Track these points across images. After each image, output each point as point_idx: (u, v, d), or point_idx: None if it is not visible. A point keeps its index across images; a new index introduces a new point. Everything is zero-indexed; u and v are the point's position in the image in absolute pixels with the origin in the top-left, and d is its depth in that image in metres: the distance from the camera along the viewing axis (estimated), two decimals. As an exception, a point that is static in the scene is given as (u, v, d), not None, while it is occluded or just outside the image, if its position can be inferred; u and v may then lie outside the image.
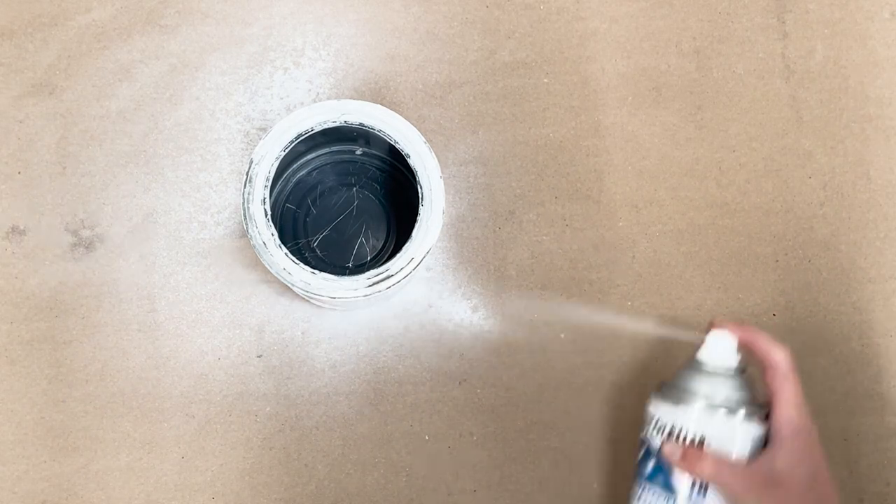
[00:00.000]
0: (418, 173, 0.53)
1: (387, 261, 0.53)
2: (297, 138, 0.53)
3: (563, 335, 0.64)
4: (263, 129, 0.65)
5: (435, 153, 0.54)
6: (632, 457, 0.55)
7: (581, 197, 0.65)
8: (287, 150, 0.53)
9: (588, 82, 0.67)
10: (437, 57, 0.66)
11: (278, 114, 0.65)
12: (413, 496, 0.62)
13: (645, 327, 0.65)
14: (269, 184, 0.53)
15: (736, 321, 0.53)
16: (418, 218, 0.53)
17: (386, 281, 0.52)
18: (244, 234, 0.63)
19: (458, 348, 0.64)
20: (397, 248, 0.55)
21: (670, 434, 0.52)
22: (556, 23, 0.67)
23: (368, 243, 0.63)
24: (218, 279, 0.63)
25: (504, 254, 0.65)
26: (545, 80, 0.67)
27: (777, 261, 0.66)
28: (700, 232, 0.66)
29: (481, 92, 0.66)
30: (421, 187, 0.53)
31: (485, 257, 0.65)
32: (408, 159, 0.54)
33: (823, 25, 0.68)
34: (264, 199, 0.52)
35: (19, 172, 0.64)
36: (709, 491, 0.51)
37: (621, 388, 0.64)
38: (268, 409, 0.62)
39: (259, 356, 0.63)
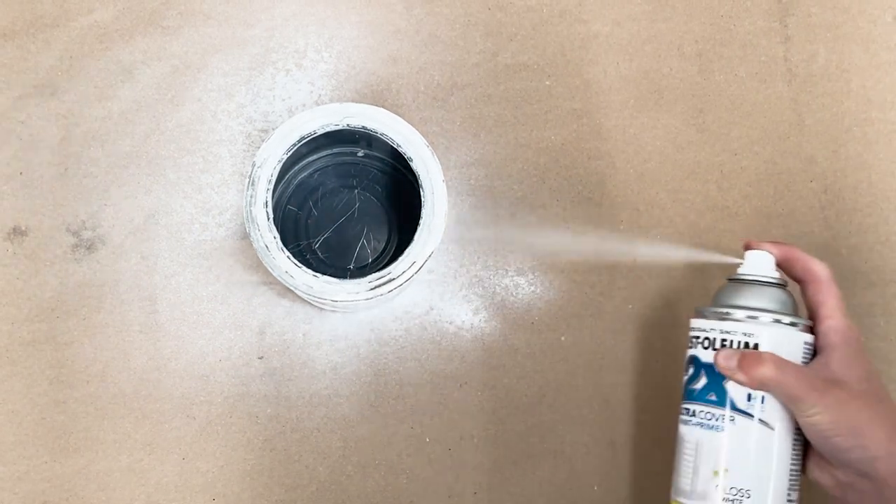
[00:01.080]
0: (421, 177, 0.53)
1: (388, 263, 0.53)
2: (299, 141, 0.53)
3: (563, 338, 0.64)
4: (265, 131, 0.65)
5: (437, 156, 0.54)
6: (633, 458, 0.55)
7: (583, 199, 0.66)
8: (290, 153, 0.53)
9: (590, 85, 0.67)
10: (440, 59, 0.66)
11: (280, 115, 0.65)
12: (413, 498, 0.62)
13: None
14: (272, 186, 0.53)
15: (770, 240, 0.53)
16: (420, 221, 0.53)
17: (388, 284, 0.52)
18: (245, 236, 0.63)
19: (459, 351, 0.64)
20: (399, 251, 0.55)
21: (722, 345, 0.50)
22: (559, 26, 0.67)
23: (370, 245, 0.63)
24: (219, 281, 0.63)
25: (505, 256, 0.65)
26: (547, 83, 0.67)
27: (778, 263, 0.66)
28: (701, 235, 0.66)
29: (483, 94, 0.66)
30: (423, 190, 0.53)
31: (486, 260, 0.65)
32: (410, 163, 0.54)
33: (826, 29, 0.68)
34: (266, 201, 0.52)
35: (21, 173, 0.64)
36: (766, 399, 0.49)
37: (622, 391, 0.64)
38: (269, 410, 0.62)
39: (260, 358, 0.63)
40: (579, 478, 0.63)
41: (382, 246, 0.63)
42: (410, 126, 0.54)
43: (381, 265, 0.56)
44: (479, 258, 0.65)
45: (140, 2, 0.65)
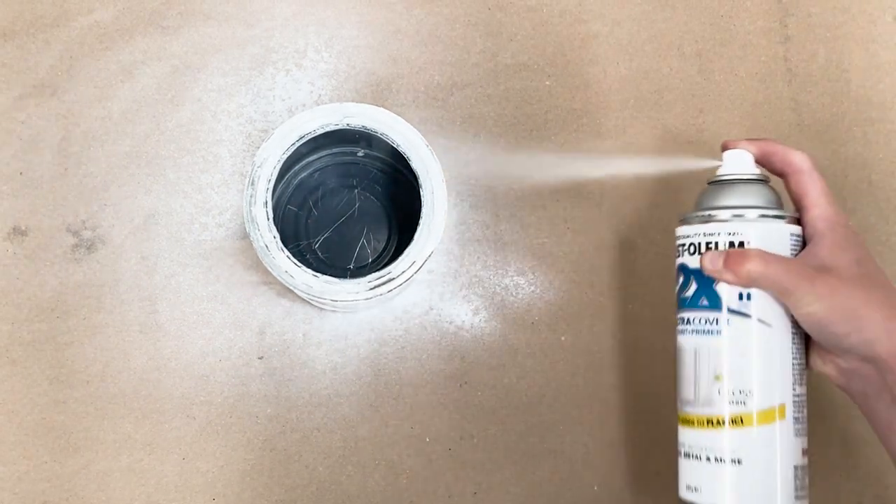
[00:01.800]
0: (420, 177, 0.53)
1: (388, 263, 0.53)
2: (298, 140, 0.53)
3: (563, 338, 0.64)
4: (265, 131, 0.65)
5: (437, 156, 0.54)
6: (633, 458, 0.55)
7: (583, 199, 0.66)
8: (289, 153, 0.53)
9: (590, 85, 0.67)
10: (440, 59, 0.66)
11: (280, 115, 0.65)
12: (413, 498, 0.62)
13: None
14: (272, 186, 0.53)
15: (747, 137, 0.52)
16: (420, 221, 0.53)
17: (388, 284, 0.52)
18: (245, 236, 0.63)
19: (458, 351, 0.64)
20: (399, 251, 0.55)
21: (706, 247, 0.49)
22: (559, 25, 0.67)
23: (370, 245, 0.63)
24: (219, 281, 0.63)
25: (505, 256, 0.65)
26: (547, 83, 0.67)
27: (778, 264, 0.66)
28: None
29: (483, 94, 0.66)
30: (423, 190, 0.53)
31: (486, 260, 0.65)
32: (410, 162, 0.54)
33: (825, 29, 0.68)
34: (266, 201, 0.52)
35: (21, 173, 0.64)
36: (753, 295, 0.48)
37: (622, 391, 0.64)
38: (269, 410, 0.62)
39: (260, 358, 0.63)
40: (579, 478, 0.63)
41: (382, 246, 0.63)
42: (410, 126, 0.54)
43: (381, 265, 0.56)
44: (478, 258, 0.65)
45: (140, 2, 0.65)
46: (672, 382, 0.64)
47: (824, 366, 0.50)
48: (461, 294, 0.64)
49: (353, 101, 0.65)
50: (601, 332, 0.64)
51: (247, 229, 0.52)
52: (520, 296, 0.64)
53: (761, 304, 0.48)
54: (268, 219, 0.52)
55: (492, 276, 0.64)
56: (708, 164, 0.53)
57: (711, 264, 0.48)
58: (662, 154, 0.65)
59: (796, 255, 0.49)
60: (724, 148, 0.52)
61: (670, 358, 0.64)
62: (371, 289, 0.52)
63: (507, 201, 0.65)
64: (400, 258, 0.53)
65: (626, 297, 0.65)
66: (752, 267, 0.47)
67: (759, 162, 0.52)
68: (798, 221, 0.50)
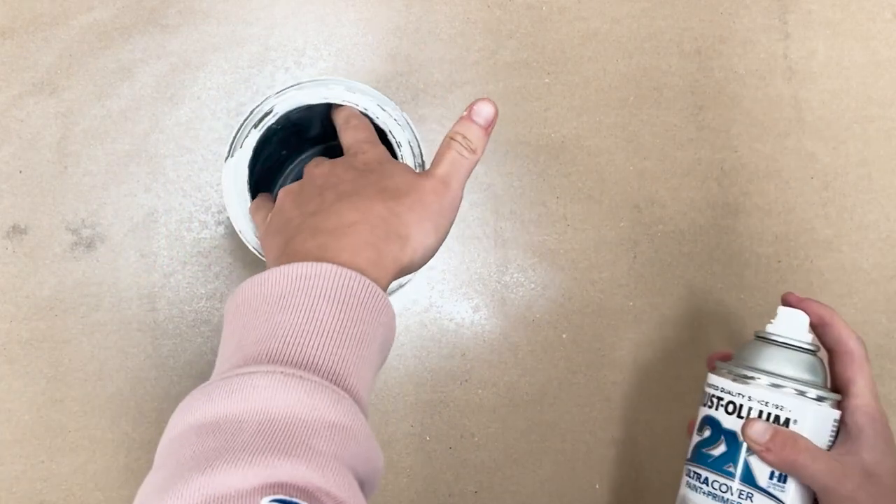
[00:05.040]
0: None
1: None
2: (261, 122, 0.53)
3: (564, 335, 0.64)
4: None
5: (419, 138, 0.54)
6: (634, 457, 0.55)
7: (583, 197, 0.65)
8: (261, 134, 0.53)
9: (590, 82, 0.67)
10: (439, 57, 0.66)
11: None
12: (414, 497, 0.62)
13: None
14: (247, 173, 0.53)
15: (809, 298, 0.49)
16: None
17: None
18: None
19: (459, 348, 0.63)
20: None
21: (748, 413, 0.46)
22: (558, 23, 0.67)
23: None
24: (218, 279, 0.63)
25: (505, 253, 0.64)
26: (547, 80, 0.66)
27: (779, 261, 0.66)
28: (701, 232, 0.66)
29: (483, 92, 0.66)
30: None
31: (486, 257, 0.64)
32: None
33: (825, 26, 0.68)
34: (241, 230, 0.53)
35: (20, 171, 0.63)
36: (789, 479, 0.45)
37: (623, 389, 0.64)
38: (268, 409, 0.62)
39: (259, 356, 0.62)
40: (581, 476, 0.63)
41: None
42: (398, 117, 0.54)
43: None
44: (479, 255, 0.64)
45: (139, 0, 0.66)
46: (673, 381, 0.64)
47: None
48: (461, 291, 0.64)
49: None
50: (602, 330, 0.64)
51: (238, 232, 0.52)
52: (520, 293, 0.64)
53: (790, 489, 0.45)
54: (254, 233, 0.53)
55: (492, 274, 0.64)
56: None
57: (756, 436, 0.45)
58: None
59: (833, 441, 0.46)
60: (784, 302, 0.50)
61: (671, 356, 0.64)
62: None
63: (506, 199, 0.65)
64: None
65: (627, 294, 0.65)
66: (800, 458, 0.44)
67: (813, 327, 0.49)
68: (839, 405, 0.47)
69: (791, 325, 0.48)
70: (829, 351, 0.49)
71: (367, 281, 0.38)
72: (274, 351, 0.36)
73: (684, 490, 0.49)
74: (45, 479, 0.61)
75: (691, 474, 0.48)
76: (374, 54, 0.66)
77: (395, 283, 0.55)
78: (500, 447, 0.63)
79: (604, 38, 0.67)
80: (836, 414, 0.47)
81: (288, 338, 0.36)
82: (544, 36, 0.67)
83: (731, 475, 0.46)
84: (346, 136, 0.49)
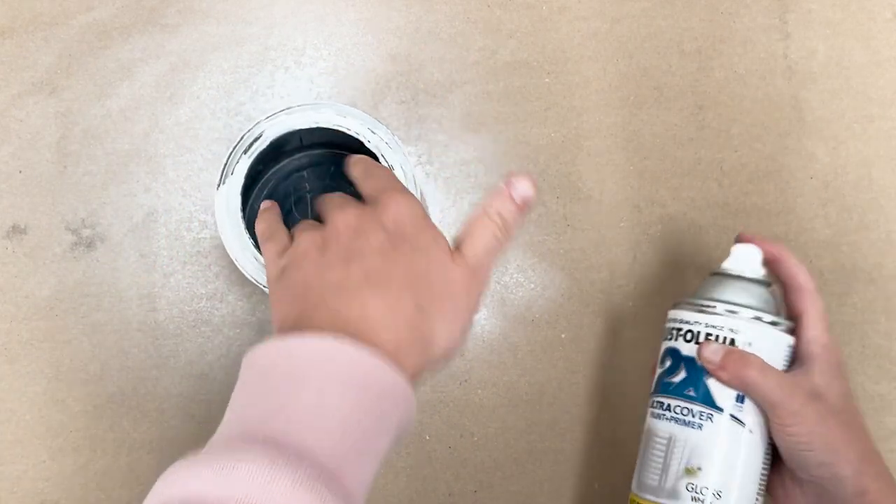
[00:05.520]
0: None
1: None
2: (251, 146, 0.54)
3: (564, 335, 0.64)
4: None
5: (432, 161, 0.54)
6: (634, 456, 0.55)
7: (583, 197, 0.65)
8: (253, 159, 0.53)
9: (590, 82, 0.67)
10: (439, 56, 0.66)
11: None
12: (414, 496, 0.62)
13: None
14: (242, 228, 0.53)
15: (762, 236, 0.52)
16: None
17: None
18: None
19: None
20: None
21: (706, 338, 0.48)
22: (558, 22, 0.67)
23: None
24: (218, 278, 0.63)
25: (505, 253, 0.64)
26: (547, 80, 0.66)
27: (779, 261, 0.66)
28: (701, 232, 0.66)
29: (483, 92, 0.66)
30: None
31: (486, 257, 0.64)
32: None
33: (825, 25, 0.68)
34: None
35: (20, 171, 0.63)
36: (746, 400, 0.47)
37: (622, 388, 0.64)
38: (268, 408, 0.62)
39: (259, 356, 0.63)
40: (580, 476, 0.63)
41: None
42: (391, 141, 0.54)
43: None
44: (478, 255, 0.64)
45: (139, 0, 0.65)
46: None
47: (780, 488, 0.50)
48: (461, 291, 0.64)
49: (352, 99, 0.65)
50: (602, 330, 0.64)
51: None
52: (520, 293, 0.64)
53: (747, 408, 0.48)
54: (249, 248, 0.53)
55: (492, 274, 0.64)
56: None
57: (711, 356, 0.48)
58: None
59: (788, 366, 0.49)
60: (738, 239, 0.52)
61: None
62: None
63: (506, 199, 0.65)
64: None
65: (627, 294, 0.65)
66: (751, 374, 0.46)
67: (766, 263, 0.52)
68: (793, 332, 0.50)
69: (744, 259, 0.51)
70: (783, 285, 0.52)
71: (390, 369, 0.36)
72: (274, 432, 0.34)
73: (649, 421, 0.51)
74: (46, 478, 0.61)
75: (654, 405, 0.51)
76: (374, 54, 0.66)
77: None
78: (499, 447, 0.63)
79: (604, 38, 0.67)
80: (790, 339, 0.49)
81: (292, 419, 0.35)
82: (544, 36, 0.67)
83: (691, 398, 0.48)
84: (368, 186, 0.45)
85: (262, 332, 0.63)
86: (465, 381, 0.63)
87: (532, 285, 0.64)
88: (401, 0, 0.67)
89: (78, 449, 0.61)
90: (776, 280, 0.52)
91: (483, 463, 0.63)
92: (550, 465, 0.63)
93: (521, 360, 0.64)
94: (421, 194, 0.55)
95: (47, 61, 0.65)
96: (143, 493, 0.62)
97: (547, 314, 0.64)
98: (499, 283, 0.64)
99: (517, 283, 0.64)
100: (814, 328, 0.49)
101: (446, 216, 0.65)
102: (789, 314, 0.51)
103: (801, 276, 0.51)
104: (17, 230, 0.63)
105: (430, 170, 0.65)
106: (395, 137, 0.54)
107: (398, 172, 0.54)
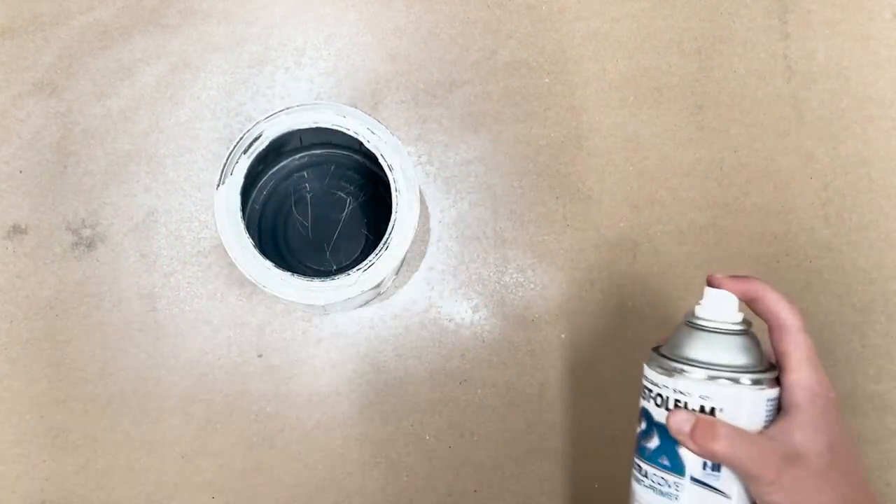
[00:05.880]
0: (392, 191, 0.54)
1: (357, 267, 0.54)
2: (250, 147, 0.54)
3: (563, 335, 0.64)
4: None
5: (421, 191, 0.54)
6: (633, 456, 0.55)
7: (582, 197, 0.65)
8: (252, 159, 0.54)
9: (589, 82, 0.67)
10: (439, 56, 0.66)
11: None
12: (414, 496, 0.62)
13: None
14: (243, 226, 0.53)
15: (734, 275, 0.47)
16: (389, 226, 0.54)
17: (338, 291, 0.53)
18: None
19: (458, 348, 0.63)
20: (374, 247, 0.54)
21: (675, 405, 0.45)
22: (558, 23, 0.67)
23: (350, 245, 0.63)
24: (218, 278, 0.63)
25: (505, 253, 0.65)
26: (546, 80, 0.67)
27: (778, 261, 0.66)
28: (701, 232, 0.66)
29: (483, 92, 0.66)
30: (393, 229, 0.54)
31: (486, 257, 0.64)
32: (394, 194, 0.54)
33: (825, 26, 0.68)
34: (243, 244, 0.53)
35: (20, 171, 0.63)
36: (722, 469, 0.44)
37: (622, 388, 0.64)
38: (268, 408, 0.62)
39: (259, 356, 0.63)
40: (580, 476, 0.63)
41: (361, 247, 0.63)
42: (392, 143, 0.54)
43: (358, 265, 0.56)
44: (478, 255, 0.65)
45: (139, 0, 0.66)
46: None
47: None
48: (461, 291, 0.64)
49: (352, 99, 0.65)
50: (601, 330, 0.64)
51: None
52: (519, 293, 0.64)
53: (724, 475, 0.45)
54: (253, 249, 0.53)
55: (491, 274, 0.64)
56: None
57: (678, 426, 0.45)
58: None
59: (770, 421, 0.45)
60: (709, 283, 0.48)
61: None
62: (315, 290, 0.53)
63: (506, 199, 0.65)
64: (351, 272, 0.53)
65: (626, 294, 0.65)
66: (719, 447, 0.43)
67: (744, 302, 0.47)
68: (777, 381, 0.46)
69: (717, 307, 0.46)
70: (767, 324, 0.47)
71: None
72: None
73: (632, 483, 0.49)
74: (46, 478, 0.61)
75: (635, 466, 0.48)
76: (374, 54, 0.66)
77: (371, 293, 0.56)
78: (499, 446, 0.63)
79: (604, 38, 0.67)
80: (772, 393, 0.45)
81: None
82: (544, 36, 0.67)
83: (665, 468, 0.46)
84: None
85: (261, 331, 0.63)
86: (465, 380, 0.63)
87: (532, 285, 0.64)
88: (401, 1, 0.67)
89: (78, 449, 0.61)
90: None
91: (483, 462, 0.63)
92: (550, 465, 0.63)
93: (520, 360, 0.64)
94: (421, 194, 0.55)
95: (48, 61, 0.65)
96: (144, 492, 0.63)
97: (547, 314, 0.64)
98: (499, 284, 0.64)
99: (517, 283, 0.64)
100: (797, 371, 0.45)
101: (446, 216, 0.65)
102: (774, 353, 0.47)
103: (782, 313, 0.46)
104: (17, 230, 0.63)
105: (430, 170, 0.65)
106: (395, 138, 0.54)
107: (398, 174, 0.54)
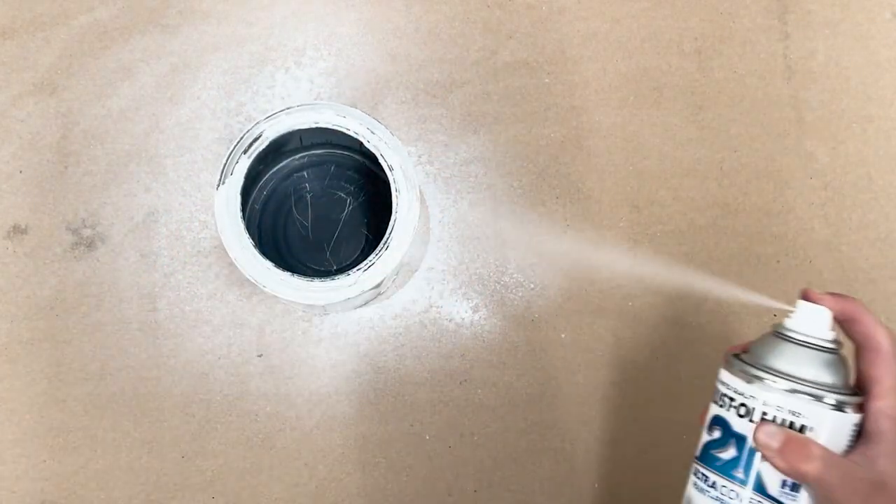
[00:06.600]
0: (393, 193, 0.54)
1: (355, 267, 0.54)
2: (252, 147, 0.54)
3: (563, 335, 0.64)
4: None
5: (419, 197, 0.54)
6: (633, 456, 0.55)
7: (582, 197, 0.65)
8: (252, 159, 0.54)
9: (589, 82, 0.67)
10: (439, 57, 0.66)
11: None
12: (414, 496, 0.62)
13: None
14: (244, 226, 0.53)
15: (832, 293, 0.46)
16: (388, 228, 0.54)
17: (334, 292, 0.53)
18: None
19: (458, 348, 0.63)
20: (374, 247, 0.54)
21: (762, 418, 0.43)
22: (558, 23, 0.67)
23: (350, 245, 0.63)
24: (218, 278, 0.63)
25: (505, 253, 0.65)
26: (546, 80, 0.67)
27: (778, 261, 0.66)
28: (701, 232, 0.66)
29: (483, 92, 0.66)
30: (392, 232, 0.54)
31: (486, 257, 0.64)
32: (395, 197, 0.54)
33: (825, 26, 0.68)
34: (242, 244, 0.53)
35: (21, 171, 0.63)
36: (801, 489, 0.43)
37: (622, 388, 0.64)
38: (268, 408, 0.62)
39: (259, 355, 0.63)
40: (580, 476, 0.63)
41: (361, 247, 0.63)
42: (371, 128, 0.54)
43: (357, 265, 0.56)
44: (478, 255, 0.65)
45: (139, 0, 0.66)
46: (674, 381, 0.64)
47: None
48: (461, 291, 0.64)
49: (352, 99, 0.65)
50: (601, 330, 0.64)
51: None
52: (519, 293, 0.64)
53: (801, 497, 0.43)
54: (252, 248, 0.53)
55: (491, 274, 0.64)
56: (778, 306, 0.47)
57: (767, 440, 0.42)
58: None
59: (851, 446, 0.43)
60: (804, 297, 0.46)
61: (671, 355, 0.64)
62: (313, 290, 0.53)
63: (506, 199, 0.65)
64: (349, 273, 0.53)
65: (626, 294, 0.65)
66: (812, 468, 0.41)
67: (836, 321, 0.45)
68: (861, 407, 0.44)
69: (812, 321, 0.44)
70: (856, 345, 0.45)
71: None
72: None
73: (691, 490, 0.46)
74: (46, 478, 0.61)
75: (699, 475, 0.46)
76: (374, 54, 0.66)
77: (371, 293, 0.56)
78: (499, 446, 0.63)
79: (604, 38, 0.67)
80: (856, 418, 0.43)
81: None
82: (544, 36, 0.67)
83: (740, 482, 0.43)
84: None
85: (261, 331, 0.63)
86: (465, 380, 0.63)
87: (532, 285, 0.64)
88: (401, 1, 0.67)
89: (78, 448, 0.61)
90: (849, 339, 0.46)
91: (483, 462, 0.63)
92: (550, 465, 0.63)
93: (520, 360, 0.64)
94: (421, 194, 0.55)
95: (48, 62, 0.65)
96: (144, 492, 0.63)
97: (546, 314, 0.64)
98: (499, 284, 0.64)
99: (517, 283, 0.64)
100: (884, 398, 0.43)
101: (446, 216, 0.65)
102: (859, 378, 0.45)
103: (878, 336, 0.44)
104: (17, 230, 0.63)
105: (430, 170, 0.65)
106: (395, 138, 0.54)
107: (398, 174, 0.54)
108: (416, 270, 0.64)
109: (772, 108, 0.67)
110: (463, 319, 0.64)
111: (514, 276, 0.64)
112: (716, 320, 0.65)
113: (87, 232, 0.63)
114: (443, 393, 0.63)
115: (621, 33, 0.67)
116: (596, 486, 0.63)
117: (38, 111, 0.64)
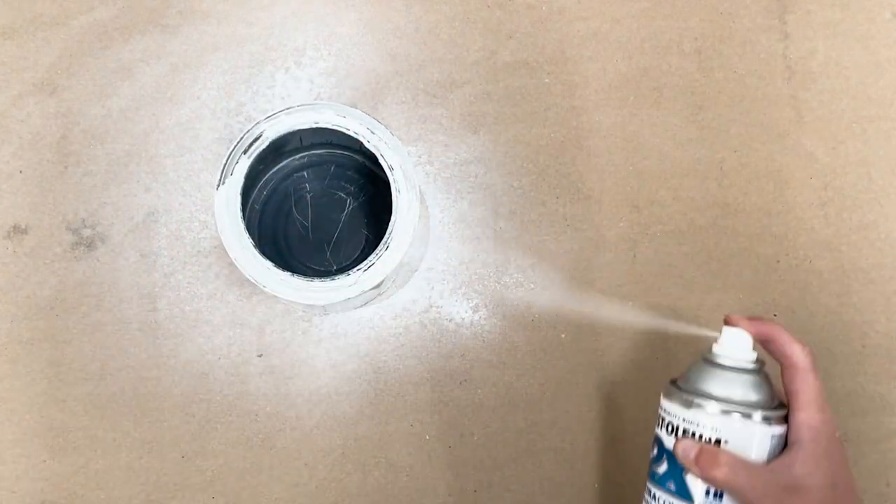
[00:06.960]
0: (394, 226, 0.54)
1: (356, 267, 0.54)
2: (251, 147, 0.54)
3: (563, 335, 0.64)
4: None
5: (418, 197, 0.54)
6: (633, 456, 0.55)
7: (582, 197, 0.65)
8: (252, 159, 0.54)
9: (589, 82, 0.67)
10: (439, 57, 0.66)
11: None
12: (414, 496, 0.62)
13: (648, 323, 0.65)
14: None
15: (751, 316, 0.50)
16: (388, 229, 0.54)
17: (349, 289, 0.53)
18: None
19: (458, 348, 0.64)
20: (374, 247, 0.54)
21: (683, 434, 0.48)
22: (558, 23, 0.67)
23: (349, 245, 0.63)
24: (218, 278, 0.63)
25: (505, 253, 0.65)
26: (546, 80, 0.67)
27: (778, 261, 0.66)
28: (701, 232, 0.66)
29: (483, 92, 0.66)
30: (392, 234, 0.54)
31: (486, 257, 0.64)
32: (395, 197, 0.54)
33: (825, 26, 0.68)
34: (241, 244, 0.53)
35: (21, 171, 0.63)
36: (724, 497, 0.47)
37: (622, 388, 0.64)
38: (268, 408, 0.62)
39: (259, 355, 0.63)
40: (580, 476, 0.63)
41: (361, 247, 0.63)
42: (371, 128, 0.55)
43: (357, 265, 0.56)
44: (478, 255, 0.65)
45: (139, 1, 0.66)
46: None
47: None
48: (461, 292, 0.64)
49: (352, 99, 0.65)
50: (601, 330, 0.64)
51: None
52: (520, 293, 0.64)
53: (726, 503, 0.47)
54: (251, 249, 0.53)
55: (491, 274, 0.64)
56: (705, 333, 0.51)
57: (683, 454, 0.48)
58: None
59: (774, 457, 0.48)
60: (726, 322, 0.50)
61: (671, 355, 0.64)
62: (312, 290, 0.53)
63: (506, 199, 0.65)
64: (347, 274, 0.53)
65: (626, 294, 0.65)
66: (720, 473, 0.46)
67: (759, 342, 0.50)
68: (785, 419, 0.48)
69: (733, 346, 0.49)
70: (779, 363, 0.50)
71: None
72: None
73: None
74: (46, 478, 0.61)
75: (647, 489, 0.51)
76: (374, 54, 0.66)
77: (371, 293, 0.56)
78: (499, 446, 0.63)
79: (604, 38, 0.67)
80: (779, 430, 0.48)
81: None
82: (544, 36, 0.67)
83: (672, 492, 0.48)
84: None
85: (261, 331, 0.63)
86: (465, 380, 0.63)
87: (532, 285, 0.64)
88: (401, 1, 0.67)
89: (78, 448, 0.61)
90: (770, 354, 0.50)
91: (483, 462, 0.63)
92: (550, 465, 0.63)
93: (520, 360, 0.64)
94: (421, 194, 0.55)
95: (48, 61, 0.65)
96: (144, 492, 0.63)
97: (546, 314, 0.64)
98: (499, 283, 0.64)
99: (517, 283, 0.64)
100: (804, 410, 0.47)
101: (446, 216, 0.65)
102: (784, 392, 0.49)
103: (794, 355, 0.48)
104: (17, 230, 0.63)
105: (430, 170, 0.65)
106: (395, 138, 0.54)
107: (398, 174, 0.54)
108: (416, 270, 0.64)
109: (771, 108, 0.67)
110: (463, 319, 0.64)
111: (515, 276, 0.64)
112: (716, 320, 0.65)
113: (87, 232, 0.63)
114: (443, 393, 0.63)
115: (621, 33, 0.67)
116: (596, 485, 0.63)
117: (38, 111, 0.64)
